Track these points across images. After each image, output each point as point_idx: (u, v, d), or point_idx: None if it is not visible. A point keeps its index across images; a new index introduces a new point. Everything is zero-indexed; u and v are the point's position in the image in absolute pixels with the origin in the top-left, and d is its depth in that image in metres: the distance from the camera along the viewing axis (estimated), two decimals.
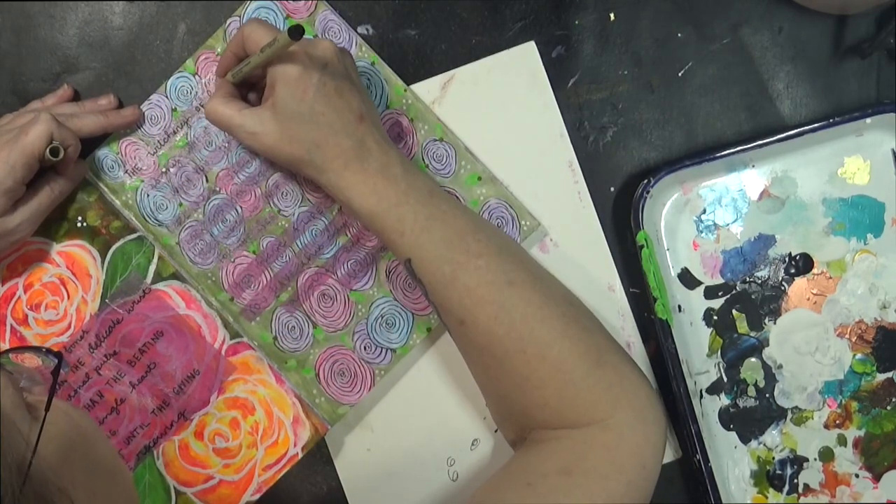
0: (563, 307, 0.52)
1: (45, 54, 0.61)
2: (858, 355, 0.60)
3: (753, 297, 0.60)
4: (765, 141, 0.58)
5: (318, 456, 0.61)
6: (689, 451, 0.58)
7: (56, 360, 0.40)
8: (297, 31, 0.46)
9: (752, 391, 0.60)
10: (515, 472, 0.50)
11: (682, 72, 0.61)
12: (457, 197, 0.59)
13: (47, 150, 0.53)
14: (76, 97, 0.61)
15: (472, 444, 0.61)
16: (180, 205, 0.60)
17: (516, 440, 0.55)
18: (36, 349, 0.42)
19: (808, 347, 0.60)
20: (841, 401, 0.60)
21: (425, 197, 0.52)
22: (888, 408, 0.60)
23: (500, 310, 0.50)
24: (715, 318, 0.60)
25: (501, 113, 0.60)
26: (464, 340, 0.53)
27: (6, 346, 0.60)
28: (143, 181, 0.60)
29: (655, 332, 0.58)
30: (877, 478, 0.60)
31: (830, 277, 0.60)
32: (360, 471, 0.61)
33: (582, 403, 0.50)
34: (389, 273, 0.60)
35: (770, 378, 0.60)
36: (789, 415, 0.60)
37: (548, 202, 0.60)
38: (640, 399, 0.51)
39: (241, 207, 0.60)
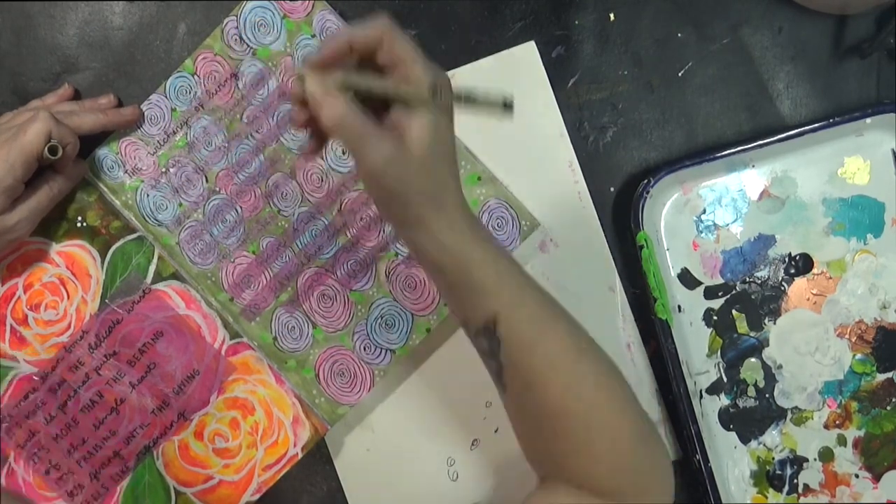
0: (616, 373, 0.50)
1: (45, 54, 0.61)
2: (858, 355, 0.60)
3: (753, 297, 0.60)
4: (765, 141, 0.58)
5: (318, 456, 0.61)
6: (689, 451, 0.58)
7: None
8: (509, 106, 0.45)
9: (751, 391, 0.60)
10: None
11: (682, 72, 0.61)
12: None
13: (46, 148, 0.53)
14: (76, 97, 0.61)
15: (472, 445, 0.61)
16: (180, 205, 0.60)
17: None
18: None
19: (808, 347, 0.60)
20: (841, 401, 0.60)
21: (508, 252, 0.50)
22: (888, 408, 0.60)
23: (572, 378, 0.48)
24: (715, 318, 0.60)
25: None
26: (520, 402, 0.50)
27: (6, 346, 0.60)
28: (142, 181, 0.60)
29: (655, 332, 0.58)
30: (877, 478, 0.60)
31: (830, 277, 0.60)
32: (360, 471, 0.61)
33: (626, 478, 0.48)
34: (389, 273, 0.60)
35: (770, 378, 0.60)
36: (789, 415, 0.60)
37: (548, 202, 0.60)
38: (667, 482, 0.50)
39: (240, 207, 0.60)
